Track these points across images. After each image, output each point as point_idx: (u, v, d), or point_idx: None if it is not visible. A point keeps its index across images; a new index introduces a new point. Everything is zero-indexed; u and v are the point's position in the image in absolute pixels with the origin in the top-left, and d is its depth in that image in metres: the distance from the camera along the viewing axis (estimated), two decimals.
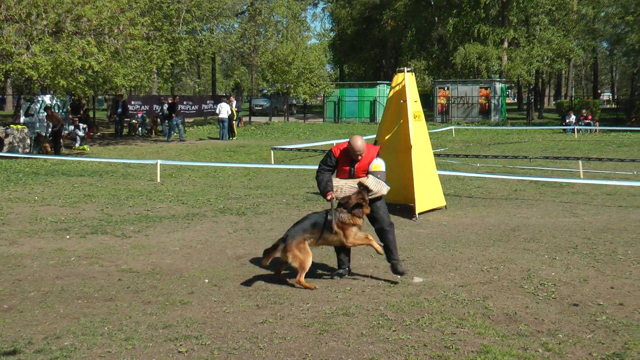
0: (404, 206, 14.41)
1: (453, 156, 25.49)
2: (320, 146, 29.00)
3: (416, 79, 16.13)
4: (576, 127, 41.65)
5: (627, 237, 11.75)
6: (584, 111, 46.08)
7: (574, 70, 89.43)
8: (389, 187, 9.20)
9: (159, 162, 20.31)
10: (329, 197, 9.02)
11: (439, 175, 15.50)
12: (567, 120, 44.26)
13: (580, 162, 20.91)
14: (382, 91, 51.49)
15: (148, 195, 16.93)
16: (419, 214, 13.91)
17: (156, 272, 9.54)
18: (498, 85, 54.01)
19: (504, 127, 46.25)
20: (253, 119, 52.88)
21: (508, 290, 8.53)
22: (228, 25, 42.27)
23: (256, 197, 16.62)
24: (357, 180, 9.08)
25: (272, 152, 24.76)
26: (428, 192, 14.45)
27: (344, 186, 9.09)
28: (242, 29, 42.43)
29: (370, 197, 8.94)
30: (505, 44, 56.97)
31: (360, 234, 8.94)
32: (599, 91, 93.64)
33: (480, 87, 53.17)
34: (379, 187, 9.01)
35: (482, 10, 55.54)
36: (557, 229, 12.56)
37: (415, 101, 14.65)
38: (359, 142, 9.02)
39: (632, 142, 33.96)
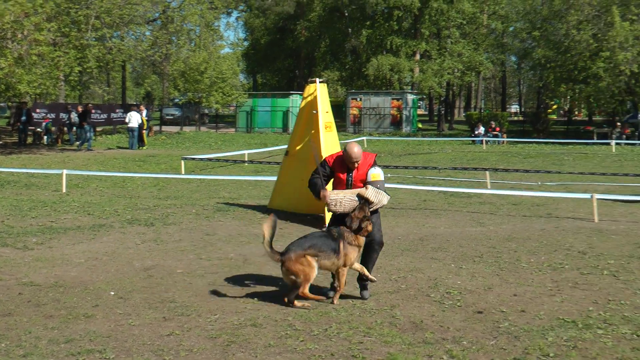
0: (314, 216, 14.45)
1: None
2: (231, 156, 28.87)
3: (329, 90, 16.23)
4: (485, 139, 42.48)
5: (530, 246, 12.02)
6: (492, 123, 47.11)
7: (483, 83, 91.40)
8: (389, 197, 8.85)
9: (65, 171, 19.81)
10: (322, 196, 8.64)
11: None
12: (476, 132, 45.13)
13: (487, 172, 21.32)
14: (295, 101, 51.56)
15: (53, 206, 16.51)
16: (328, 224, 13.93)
17: (59, 285, 9.28)
18: (410, 97, 54.72)
19: (415, 138, 46.87)
20: (164, 128, 52.23)
21: (415, 299, 8.61)
22: (139, 32, 41.62)
23: (165, 207, 16.40)
24: (356, 191, 8.57)
25: (182, 162, 24.53)
26: None
27: (342, 200, 8.52)
28: (153, 37, 41.84)
29: (370, 209, 8.50)
30: (417, 56, 57.92)
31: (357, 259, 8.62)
32: (507, 104, 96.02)
33: (392, 99, 53.76)
34: (379, 197, 8.54)
35: (395, 23, 56.35)
36: (464, 239, 12.75)
37: (327, 112, 14.72)
38: (355, 149, 8.62)
39: (537, 154, 34.82)
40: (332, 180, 8.96)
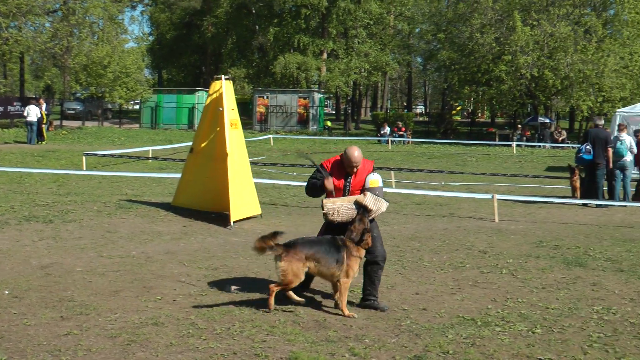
0: (219, 214, 14.33)
1: (270, 165, 25.65)
2: (135, 152, 28.38)
3: (236, 87, 16.10)
4: (390, 139, 42.98)
5: (432, 245, 12.20)
6: (398, 123, 47.68)
7: (389, 83, 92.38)
8: (388, 204, 8.47)
9: None
10: (327, 184, 8.25)
11: (255, 183, 15.49)
12: (382, 132, 45.57)
13: (392, 172, 21.56)
14: (201, 98, 50.93)
15: None
16: (234, 222, 13.83)
17: None
18: (317, 96, 54.88)
19: (321, 137, 47.04)
20: (65, 123, 50.83)
21: (320, 297, 8.62)
22: (38, 23, 40.49)
23: (65, 204, 15.97)
24: (353, 198, 8.16)
25: (84, 157, 23.96)
26: (243, 201, 14.41)
27: (340, 208, 8.11)
28: (53, 28, 40.79)
29: (369, 218, 8.14)
30: (325, 55, 58.14)
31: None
32: (413, 104, 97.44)
33: (299, 97, 53.79)
34: (378, 205, 8.16)
35: (302, 21, 56.44)
36: None
37: (233, 109, 14.59)
38: (356, 152, 8.18)
39: (441, 154, 35.42)
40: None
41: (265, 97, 53.88)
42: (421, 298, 8.70)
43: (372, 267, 8.35)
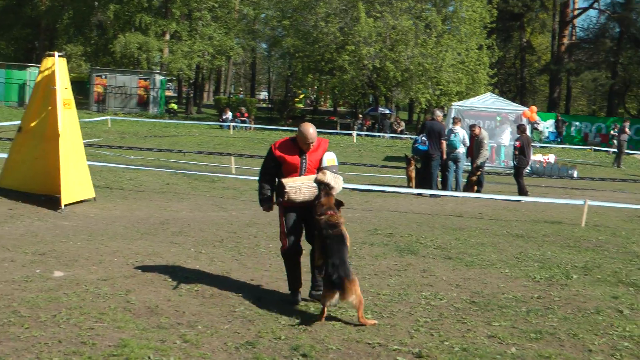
0: (49, 197, 13.80)
1: (106, 147, 25.01)
2: None
3: (71, 65, 15.55)
4: (232, 124, 42.85)
5: (269, 232, 12.22)
6: (241, 108, 47.61)
7: (233, 68, 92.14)
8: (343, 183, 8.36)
9: None
10: (265, 208, 8.30)
11: (89, 166, 15.02)
12: (224, 117, 45.37)
13: (232, 158, 21.51)
14: (33, 74, 48.44)
15: None
16: (65, 205, 13.36)
17: None
18: (158, 78, 53.99)
19: (162, 120, 46.37)
20: None
21: (152, 283, 8.45)
22: None
23: None
24: (313, 177, 8.03)
25: None
26: (76, 183, 13.94)
27: (301, 186, 7.96)
28: None
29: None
30: (167, 37, 57.13)
31: None
32: (256, 90, 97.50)
33: (140, 78, 52.76)
34: (337, 182, 8.04)
35: (144, 0, 55.16)
36: (205, 223, 12.76)
37: (66, 88, 14.06)
38: (311, 129, 8.05)
39: None
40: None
41: (103, 76, 52.43)
42: (255, 284, 8.70)
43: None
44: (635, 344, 7.13)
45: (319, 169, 8.17)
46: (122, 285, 8.23)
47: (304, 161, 8.15)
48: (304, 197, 8.01)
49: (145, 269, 9.07)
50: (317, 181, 8.00)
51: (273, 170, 8.22)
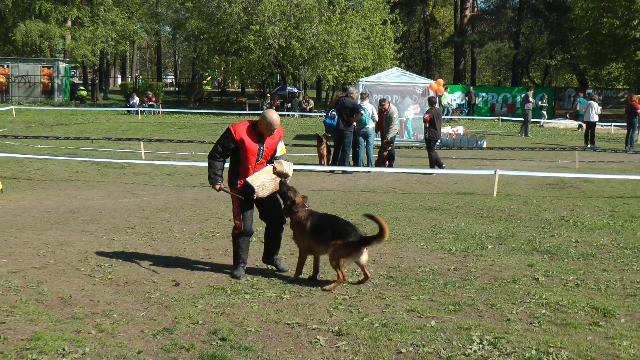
0: None
1: (12, 137, 24.34)
2: None
3: None
4: (140, 109, 42.24)
5: (183, 216, 12.12)
6: (148, 93, 46.96)
7: (138, 53, 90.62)
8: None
9: None
10: (217, 188, 8.32)
11: None
12: (131, 102, 44.73)
13: (142, 143, 21.18)
14: None
15: None
16: None
17: None
18: (62, 65, 52.83)
19: (68, 108, 45.41)
20: None
21: (64, 273, 8.26)
22: None
23: None
24: (269, 168, 8.27)
25: None
26: None
27: (264, 182, 8.22)
28: None
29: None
30: (69, 23, 55.75)
31: None
32: (163, 74, 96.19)
33: (43, 66, 51.60)
34: (290, 170, 8.43)
35: None
36: (116, 210, 12.54)
37: None
38: (275, 115, 8.17)
39: (192, 124, 35.34)
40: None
41: (5, 66, 51.00)
42: (171, 269, 8.58)
43: (275, 230, 8.66)
44: (552, 310, 7.30)
45: (273, 157, 8.40)
46: (34, 277, 8.03)
47: (261, 148, 8.24)
48: (269, 192, 8.32)
49: (57, 259, 8.87)
50: (277, 173, 8.31)
51: (228, 152, 8.27)
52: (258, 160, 8.25)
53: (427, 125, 19.44)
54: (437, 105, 20.73)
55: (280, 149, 8.52)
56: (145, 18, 63.22)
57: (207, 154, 8.46)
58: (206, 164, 8.54)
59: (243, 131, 8.18)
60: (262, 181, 8.21)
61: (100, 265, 8.63)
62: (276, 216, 8.62)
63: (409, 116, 27.82)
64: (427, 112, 19.84)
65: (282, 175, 8.36)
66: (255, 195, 8.19)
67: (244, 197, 8.24)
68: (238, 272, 8.33)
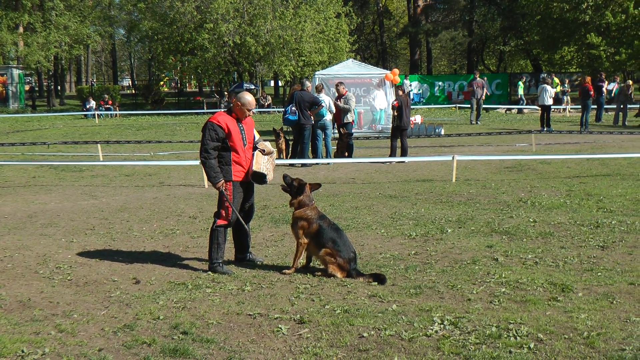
0: None
1: None
2: None
3: None
4: (97, 112, 41.96)
5: (142, 215, 12.07)
6: (105, 96, 46.63)
7: (93, 57, 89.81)
8: None
9: None
10: (220, 185, 8.28)
11: None
12: (88, 106, 44.43)
13: (99, 145, 21.03)
14: None
15: None
16: None
17: None
18: (16, 72, 52.27)
19: (24, 115, 44.93)
20: None
21: (23, 277, 8.18)
22: None
23: None
24: (258, 153, 8.50)
25: None
26: None
27: (266, 165, 8.54)
28: None
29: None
30: (21, 29, 55.08)
31: None
32: (119, 77, 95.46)
33: None
34: (271, 147, 8.81)
35: None
36: (75, 212, 12.44)
37: None
38: (250, 97, 8.48)
39: (150, 125, 35.11)
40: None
41: None
42: (131, 268, 8.54)
43: (247, 215, 8.88)
44: (512, 288, 7.39)
45: (255, 141, 8.63)
46: None
47: (242, 131, 8.42)
48: (272, 173, 8.71)
49: (15, 263, 8.77)
50: (266, 154, 8.58)
51: (218, 146, 8.27)
52: (245, 145, 8.41)
53: (396, 112, 19.31)
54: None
55: (256, 132, 8.80)
56: (98, 21, 62.58)
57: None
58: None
59: (224, 119, 8.31)
60: (264, 165, 8.49)
61: (59, 267, 8.56)
62: (251, 205, 8.94)
63: (381, 106, 27.64)
64: (395, 100, 19.66)
65: (269, 153, 8.62)
66: (268, 180, 8.58)
67: (260, 183, 8.68)
68: (225, 268, 8.40)
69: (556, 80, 41.38)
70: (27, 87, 59.23)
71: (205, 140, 8.22)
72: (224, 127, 8.20)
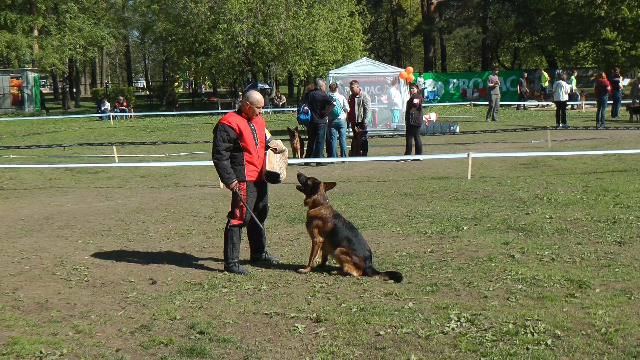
0: None
1: None
2: None
3: None
4: (112, 114, 42.11)
5: (158, 216, 12.09)
6: (120, 98, 46.80)
7: (108, 59, 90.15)
8: None
9: None
10: (234, 186, 8.34)
11: None
12: (103, 108, 44.58)
13: (114, 147, 21.09)
14: None
15: None
16: None
17: None
18: (31, 75, 52.51)
19: (40, 117, 45.13)
20: None
21: (40, 279, 8.21)
22: None
23: None
24: (271, 152, 8.56)
25: None
26: None
27: (279, 164, 8.64)
28: None
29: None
30: (36, 32, 55.36)
31: None
32: (134, 79, 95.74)
33: (12, 77, 51.27)
34: (283, 146, 8.92)
35: None
36: (91, 214, 12.49)
37: None
38: (258, 95, 8.50)
39: (164, 127, 35.20)
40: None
41: None
42: (147, 268, 8.56)
43: (261, 215, 8.87)
44: (528, 285, 7.36)
45: (267, 141, 8.65)
46: (9, 284, 7.97)
47: (254, 130, 8.39)
48: (285, 171, 8.76)
49: (32, 265, 8.81)
50: (278, 152, 8.65)
51: (230, 146, 8.28)
52: (257, 144, 8.40)
53: (416, 110, 18.96)
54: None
55: (267, 132, 8.81)
56: (112, 23, 62.86)
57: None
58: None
59: (234, 119, 8.31)
60: (277, 164, 8.55)
61: (76, 268, 8.59)
62: (265, 205, 8.93)
63: (399, 106, 27.20)
64: (416, 97, 19.21)
65: (281, 151, 8.70)
66: (282, 179, 8.63)
67: (274, 183, 8.68)
68: (241, 268, 8.39)
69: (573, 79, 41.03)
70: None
71: (217, 141, 8.24)
72: (235, 127, 8.21)
